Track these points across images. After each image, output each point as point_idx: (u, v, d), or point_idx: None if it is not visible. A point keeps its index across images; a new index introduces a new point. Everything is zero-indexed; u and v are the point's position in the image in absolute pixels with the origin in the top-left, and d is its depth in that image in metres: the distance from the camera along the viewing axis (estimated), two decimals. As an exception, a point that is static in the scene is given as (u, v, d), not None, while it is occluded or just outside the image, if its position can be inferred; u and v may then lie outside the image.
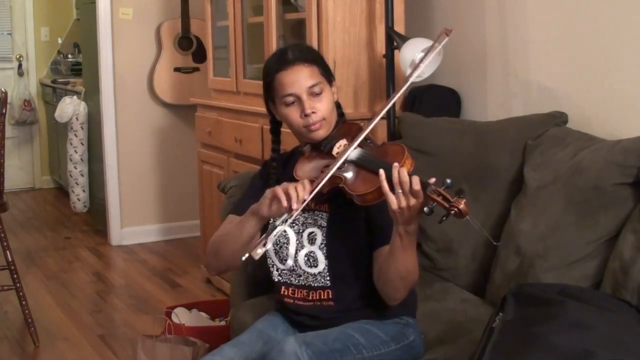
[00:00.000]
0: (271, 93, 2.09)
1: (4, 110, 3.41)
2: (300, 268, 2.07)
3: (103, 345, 3.50)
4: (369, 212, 1.98)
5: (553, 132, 2.51)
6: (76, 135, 5.54)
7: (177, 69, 5.12)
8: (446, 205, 1.70)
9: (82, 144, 5.56)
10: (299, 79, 2.02)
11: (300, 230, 2.08)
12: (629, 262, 2.01)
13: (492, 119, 2.90)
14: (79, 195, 5.65)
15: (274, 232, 1.84)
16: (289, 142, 2.25)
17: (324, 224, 2.05)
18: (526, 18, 2.90)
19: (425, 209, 1.74)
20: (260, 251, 1.81)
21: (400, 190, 1.77)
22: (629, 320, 1.73)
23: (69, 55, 6.97)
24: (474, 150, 2.67)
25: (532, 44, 2.88)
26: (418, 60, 1.98)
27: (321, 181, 1.90)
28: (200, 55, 5.02)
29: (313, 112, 2.01)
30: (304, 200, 1.86)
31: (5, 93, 3.48)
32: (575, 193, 2.24)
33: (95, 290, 4.30)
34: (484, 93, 3.14)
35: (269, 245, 1.84)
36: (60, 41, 7.13)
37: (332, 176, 1.92)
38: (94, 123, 5.43)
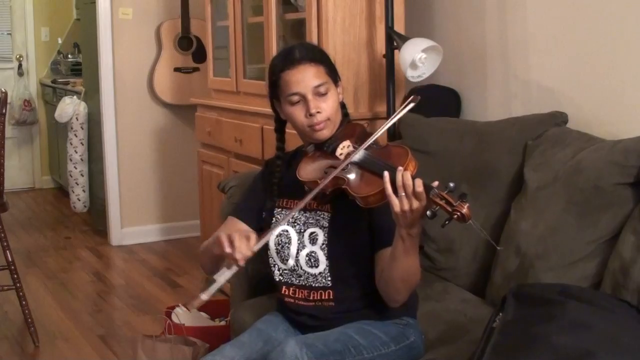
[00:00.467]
0: (276, 92, 2.09)
1: (4, 110, 3.41)
2: (301, 268, 2.07)
3: (103, 345, 3.50)
4: (371, 214, 1.98)
5: (553, 132, 2.51)
6: (76, 135, 5.54)
7: (177, 69, 5.12)
8: (449, 209, 1.70)
9: (82, 144, 5.56)
10: (305, 78, 2.02)
11: (302, 230, 2.08)
12: (629, 262, 2.02)
13: (492, 119, 2.90)
14: (79, 195, 5.65)
15: (213, 287, 1.84)
16: (292, 142, 2.25)
17: (326, 224, 2.05)
18: (526, 18, 2.90)
19: (428, 212, 1.74)
20: (196, 304, 1.84)
21: (403, 193, 1.77)
22: (629, 320, 1.73)
23: (69, 55, 6.98)
24: (474, 150, 2.67)
25: (532, 44, 2.88)
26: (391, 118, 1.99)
27: (265, 237, 1.91)
28: (200, 55, 5.02)
29: (318, 112, 2.01)
30: (246, 257, 1.85)
31: (5, 93, 3.48)
32: (575, 193, 2.24)
33: (95, 290, 4.30)
34: (484, 93, 3.14)
35: (205, 298, 1.84)
36: (60, 41, 7.13)
37: (335, 177, 1.92)
38: (94, 123, 5.43)
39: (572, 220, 2.22)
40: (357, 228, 2.03)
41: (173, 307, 3.35)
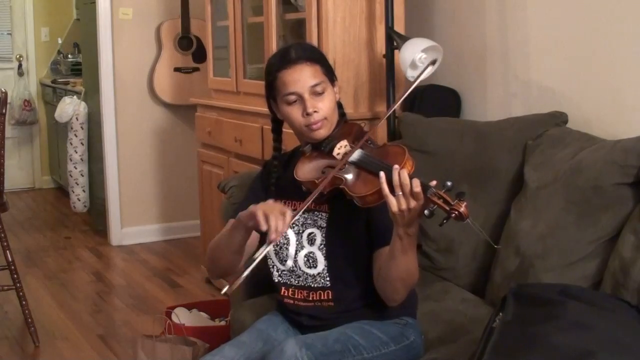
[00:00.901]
0: (273, 91, 2.09)
1: (4, 110, 3.41)
2: (300, 269, 2.07)
3: (103, 345, 3.50)
4: (369, 213, 1.98)
5: (553, 132, 2.51)
6: (76, 135, 5.54)
7: (177, 69, 5.12)
8: (447, 208, 1.70)
9: (82, 144, 5.56)
10: (302, 77, 2.02)
11: (300, 231, 2.08)
12: (629, 262, 2.01)
13: (492, 119, 2.90)
14: (79, 195, 5.65)
15: (252, 265, 1.83)
16: (289, 142, 2.25)
17: (324, 224, 2.05)
18: (526, 18, 2.90)
19: (426, 211, 1.74)
20: (239, 283, 1.83)
21: (400, 193, 1.76)
22: (629, 320, 1.73)
23: (69, 55, 6.97)
24: (473, 150, 2.67)
25: (532, 44, 2.88)
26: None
27: (302, 209, 1.90)
28: (200, 55, 5.01)
29: (315, 111, 2.01)
30: (284, 232, 1.85)
31: (5, 93, 3.48)
32: (575, 193, 2.23)
33: (95, 290, 4.30)
34: (484, 93, 3.14)
35: (244, 276, 1.83)
36: (60, 41, 7.13)
37: (333, 177, 1.92)
38: (94, 123, 5.43)
39: (572, 220, 2.22)
40: (354, 228, 2.02)
41: (173, 307, 3.35)
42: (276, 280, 2.12)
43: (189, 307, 3.41)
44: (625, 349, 1.58)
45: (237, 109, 3.79)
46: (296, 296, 2.09)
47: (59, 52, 7.09)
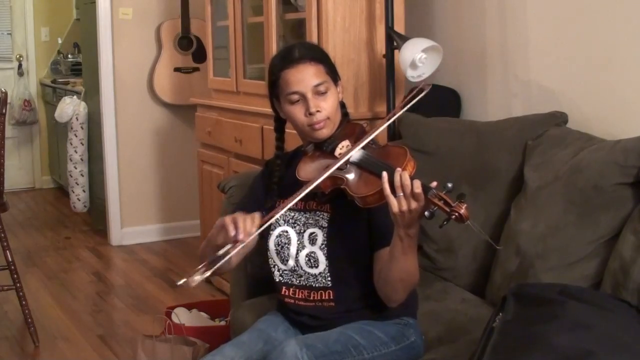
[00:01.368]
0: (276, 91, 2.09)
1: (4, 110, 3.41)
2: (302, 268, 2.07)
3: (103, 345, 3.50)
4: (370, 214, 1.98)
5: (553, 132, 2.51)
6: (76, 135, 5.54)
7: (177, 69, 5.12)
8: (447, 209, 1.70)
9: (82, 144, 5.56)
10: (305, 77, 2.02)
11: (302, 231, 2.08)
12: (629, 262, 2.02)
13: (492, 119, 2.90)
14: (79, 195, 5.65)
15: (217, 264, 1.83)
16: (291, 142, 2.25)
17: (325, 224, 2.05)
18: (526, 18, 2.90)
19: (426, 213, 1.74)
20: (197, 278, 1.83)
21: (401, 194, 1.77)
22: (629, 320, 1.73)
23: (69, 55, 6.98)
24: (473, 150, 2.67)
25: (532, 44, 2.88)
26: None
27: (274, 215, 1.92)
28: (200, 55, 5.02)
29: (318, 111, 2.01)
30: (251, 234, 1.86)
31: (5, 93, 3.48)
32: (575, 193, 2.24)
33: (95, 290, 4.30)
34: (484, 93, 3.14)
35: (208, 274, 1.83)
36: (60, 41, 7.13)
37: (334, 177, 1.92)
38: (93, 123, 5.43)
39: (572, 220, 2.22)
40: (356, 228, 2.02)
41: (173, 307, 3.35)
42: (277, 280, 2.12)
43: (189, 307, 3.41)
44: (625, 349, 1.58)
45: (237, 109, 3.79)
46: (297, 296, 2.09)
47: (59, 52, 7.09)
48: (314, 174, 1.98)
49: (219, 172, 3.99)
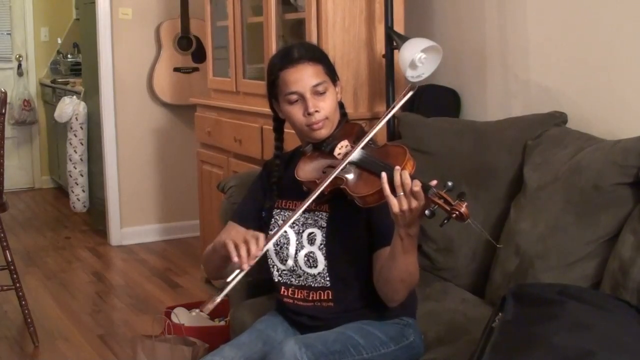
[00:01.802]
0: (275, 91, 2.09)
1: (3, 110, 3.41)
2: (300, 268, 2.07)
3: (103, 345, 3.50)
4: (370, 214, 1.98)
5: (553, 132, 2.51)
6: (76, 135, 5.53)
7: (176, 69, 5.12)
8: (447, 208, 1.70)
9: (82, 144, 5.56)
10: (304, 77, 2.02)
11: (301, 231, 2.08)
12: (628, 262, 2.01)
13: (492, 119, 2.90)
14: (79, 195, 5.65)
15: (225, 290, 1.83)
16: (290, 142, 2.25)
17: (324, 224, 2.05)
18: (526, 18, 2.90)
19: (427, 212, 1.74)
20: (210, 307, 1.83)
21: (401, 193, 1.76)
22: (629, 320, 1.73)
23: (69, 55, 6.98)
24: (473, 150, 2.67)
25: (532, 44, 2.88)
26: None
27: (273, 237, 1.92)
28: (199, 55, 5.02)
29: (316, 111, 2.01)
30: (257, 257, 1.86)
31: (5, 93, 3.48)
32: (575, 193, 2.24)
33: (95, 290, 4.30)
34: (483, 93, 3.14)
35: (218, 300, 1.83)
36: (59, 41, 7.13)
37: (334, 177, 1.92)
38: (93, 123, 5.43)
39: (571, 220, 2.22)
40: (355, 228, 2.02)
41: (173, 307, 3.35)
42: (276, 280, 2.12)
43: (189, 307, 3.41)
44: (624, 349, 1.58)
45: (236, 109, 3.79)
46: (296, 296, 2.09)
47: (58, 52, 7.09)
48: (313, 174, 1.98)
49: (219, 172, 3.99)
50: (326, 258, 2.04)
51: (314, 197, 1.91)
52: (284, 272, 2.10)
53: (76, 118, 5.52)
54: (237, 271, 1.85)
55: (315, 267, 2.05)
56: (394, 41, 3.04)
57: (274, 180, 2.16)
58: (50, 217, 6.15)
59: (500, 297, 1.82)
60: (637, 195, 2.13)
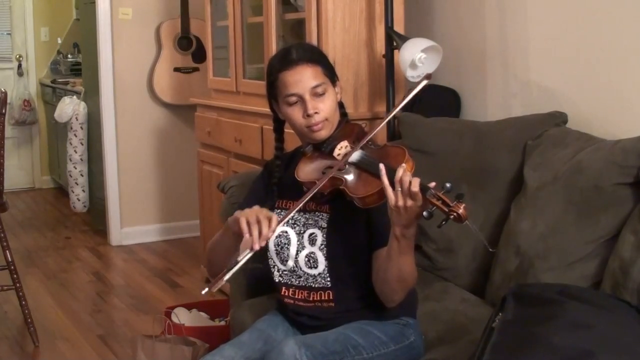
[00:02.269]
0: (274, 92, 2.09)
1: (3, 110, 3.41)
2: (301, 269, 2.07)
3: (103, 345, 3.50)
4: (369, 214, 1.98)
5: (553, 132, 2.51)
6: (76, 135, 5.54)
7: (176, 69, 5.12)
8: (445, 209, 1.70)
9: (82, 144, 5.56)
10: (302, 79, 2.02)
11: (301, 232, 2.08)
12: (628, 262, 2.01)
13: (492, 119, 2.90)
14: (79, 195, 5.65)
15: (234, 268, 1.83)
16: (291, 142, 2.25)
17: (324, 225, 2.05)
18: (526, 18, 2.90)
19: (425, 212, 1.74)
20: (218, 285, 1.83)
21: (399, 189, 1.77)
22: (629, 320, 1.73)
23: (69, 55, 6.98)
24: (473, 150, 2.67)
25: (532, 44, 2.88)
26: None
27: (287, 216, 1.92)
28: (200, 55, 5.02)
29: (316, 113, 2.01)
30: (268, 238, 1.86)
31: (5, 93, 3.48)
32: (575, 193, 2.24)
33: (95, 290, 4.30)
34: (483, 93, 3.14)
35: (226, 279, 1.84)
36: (60, 41, 7.13)
37: (333, 178, 1.92)
38: (93, 123, 5.43)
39: (572, 220, 2.22)
40: (355, 229, 2.02)
41: (173, 307, 3.35)
42: (277, 280, 2.12)
43: (189, 307, 3.41)
44: (625, 349, 1.58)
45: (236, 109, 3.79)
46: (296, 296, 2.09)
47: (58, 52, 7.09)
48: (313, 175, 1.98)
49: (219, 172, 3.99)
50: (327, 259, 2.04)
51: (309, 196, 1.90)
52: (285, 272, 2.10)
53: (76, 118, 5.52)
54: (247, 251, 1.85)
55: (316, 267, 2.05)
56: (394, 41, 3.04)
57: (274, 181, 2.16)
58: (50, 217, 6.15)
59: (501, 297, 1.83)
60: (637, 195, 2.13)
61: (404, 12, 3.24)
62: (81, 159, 5.58)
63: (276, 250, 2.10)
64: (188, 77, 5.15)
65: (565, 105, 2.68)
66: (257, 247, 1.84)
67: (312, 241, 2.06)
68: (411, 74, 2.92)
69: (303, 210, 2.08)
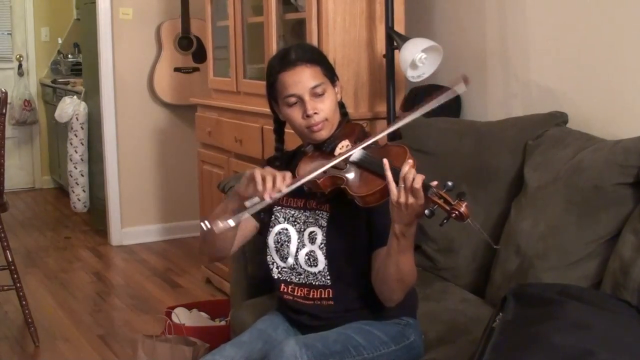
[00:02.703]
0: (274, 93, 2.09)
1: (4, 110, 3.41)
2: (301, 267, 2.07)
3: (103, 345, 3.50)
4: (369, 214, 1.98)
5: (553, 132, 2.51)
6: (76, 135, 5.54)
7: (177, 69, 5.12)
8: (447, 208, 1.71)
9: (82, 144, 5.56)
10: (302, 79, 2.02)
11: (302, 230, 2.08)
12: (629, 262, 2.02)
13: (492, 119, 2.90)
14: (79, 195, 5.65)
15: (241, 214, 1.83)
16: (291, 142, 2.25)
17: (325, 223, 2.05)
18: (526, 18, 2.90)
19: (426, 211, 1.74)
20: (221, 225, 1.81)
21: (402, 185, 1.77)
22: (629, 320, 1.73)
23: (69, 55, 6.98)
24: (473, 150, 2.67)
25: (532, 44, 2.88)
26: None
27: (303, 178, 1.90)
28: (200, 55, 5.02)
29: (315, 113, 2.01)
30: (280, 191, 1.85)
31: (5, 93, 3.48)
32: (575, 193, 2.24)
33: (95, 290, 4.30)
34: (484, 93, 3.14)
35: (232, 223, 1.82)
36: (60, 41, 7.13)
37: (334, 177, 1.92)
38: (94, 123, 5.44)
39: (572, 220, 2.22)
40: (355, 228, 2.03)
41: (173, 307, 3.35)
42: (275, 277, 2.12)
43: (189, 307, 3.41)
44: (625, 349, 1.58)
45: (237, 109, 3.79)
46: (296, 293, 2.09)
47: (59, 52, 7.09)
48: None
49: (219, 172, 3.99)
50: (326, 257, 2.04)
51: (305, 180, 1.89)
52: (284, 269, 2.10)
53: (77, 118, 5.52)
54: (257, 199, 1.85)
55: (316, 265, 2.05)
56: (394, 41, 3.04)
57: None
58: (50, 217, 6.15)
59: (501, 297, 1.83)
60: (638, 195, 2.13)
61: (404, 12, 3.24)
62: (81, 159, 5.58)
63: (276, 247, 2.10)
64: (188, 77, 5.15)
65: (566, 105, 2.68)
66: (267, 197, 1.83)
67: (312, 239, 2.06)
68: (411, 74, 2.92)
69: (303, 208, 2.08)
